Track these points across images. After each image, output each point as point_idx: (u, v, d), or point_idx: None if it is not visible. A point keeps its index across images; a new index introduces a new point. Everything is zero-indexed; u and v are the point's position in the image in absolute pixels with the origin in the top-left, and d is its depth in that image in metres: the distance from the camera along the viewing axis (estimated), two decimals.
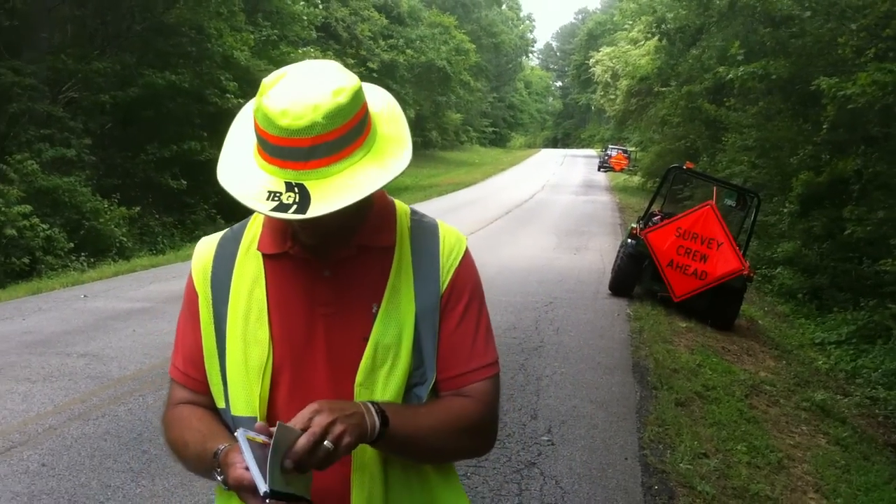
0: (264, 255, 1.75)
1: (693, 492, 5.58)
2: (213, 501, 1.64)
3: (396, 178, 1.57)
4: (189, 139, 21.80)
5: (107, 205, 18.01)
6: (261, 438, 1.45)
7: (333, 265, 1.71)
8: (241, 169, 1.58)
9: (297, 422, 1.47)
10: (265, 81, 1.55)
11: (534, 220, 24.64)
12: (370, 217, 1.73)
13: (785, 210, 17.85)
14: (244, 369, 1.69)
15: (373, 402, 1.59)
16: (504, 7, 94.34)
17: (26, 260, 15.06)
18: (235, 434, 1.47)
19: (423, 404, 1.72)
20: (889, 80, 11.84)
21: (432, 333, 1.72)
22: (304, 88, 1.51)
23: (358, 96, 1.54)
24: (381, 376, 1.67)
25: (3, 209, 15.04)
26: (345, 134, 1.51)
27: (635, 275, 12.67)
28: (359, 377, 1.66)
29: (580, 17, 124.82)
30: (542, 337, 9.62)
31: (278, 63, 25.66)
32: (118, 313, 9.65)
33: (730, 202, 13.80)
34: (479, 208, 26.75)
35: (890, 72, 11.90)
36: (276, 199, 1.49)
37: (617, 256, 13.40)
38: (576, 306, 11.75)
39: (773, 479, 6.14)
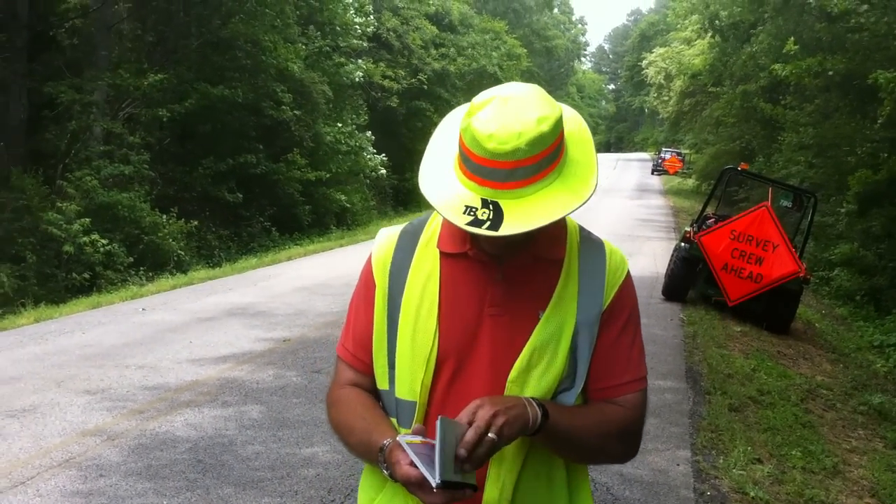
0: (442, 253, 1.88)
1: (746, 497, 5.55)
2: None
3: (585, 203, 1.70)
4: (245, 152, 22.13)
5: (165, 219, 18.34)
6: (418, 439, 1.64)
7: (507, 270, 1.83)
8: (442, 180, 1.73)
9: (462, 417, 1.62)
10: (475, 102, 1.70)
11: (587, 225, 24.36)
12: (546, 229, 1.76)
13: (842, 210, 17.55)
14: (411, 357, 1.84)
15: (533, 398, 1.73)
16: (556, 11, 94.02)
17: (87, 275, 15.43)
18: (397, 440, 1.66)
19: (578, 406, 1.85)
20: None
21: (589, 344, 1.83)
22: (512, 114, 1.64)
23: (558, 125, 1.67)
24: (534, 377, 1.79)
25: (63, 226, 15.41)
26: (542, 160, 1.65)
27: (689, 279, 12.57)
28: (512, 374, 1.79)
29: (632, 18, 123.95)
30: None
31: (332, 75, 25.98)
32: (176, 326, 9.84)
33: (786, 203, 13.62)
34: None
35: None
36: (472, 213, 1.64)
37: (670, 260, 13.31)
38: None
39: (828, 484, 6.06)
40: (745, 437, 6.72)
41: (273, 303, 11.45)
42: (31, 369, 7.73)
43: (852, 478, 6.42)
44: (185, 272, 16.49)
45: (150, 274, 16.39)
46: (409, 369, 1.84)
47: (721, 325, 11.31)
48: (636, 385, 1.89)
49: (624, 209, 31.26)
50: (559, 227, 1.89)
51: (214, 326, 9.78)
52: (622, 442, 1.89)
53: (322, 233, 24.28)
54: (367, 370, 1.93)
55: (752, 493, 5.57)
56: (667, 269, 13.38)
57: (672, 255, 13.30)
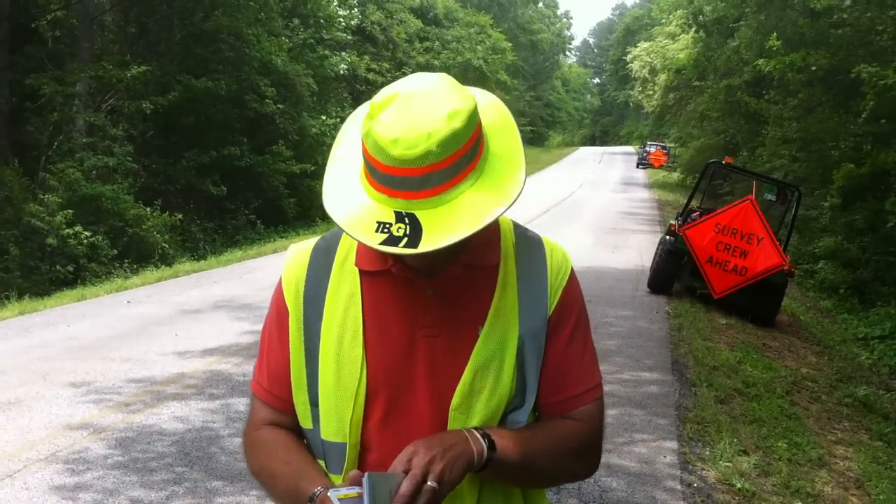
0: (362, 271, 1.64)
1: (732, 489, 5.56)
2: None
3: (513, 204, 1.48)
4: (229, 145, 22.07)
5: (149, 211, 18.28)
6: (355, 492, 1.42)
7: (437, 284, 1.60)
8: (348, 194, 1.50)
9: (396, 466, 1.43)
10: (374, 103, 1.46)
11: (571, 219, 24.56)
12: (476, 235, 1.54)
13: (826, 204, 17.65)
14: (335, 392, 1.60)
15: (476, 428, 1.54)
16: (541, 5, 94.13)
17: (71, 268, 15.39)
18: (328, 494, 1.45)
19: (528, 427, 1.64)
20: None
21: (536, 356, 1.63)
22: (417, 113, 1.41)
23: (473, 118, 1.45)
24: (480, 401, 1.58)
25: (45, 218, 15.33)
26: (459, 160, 1.43)
27: (674, 272, 12.59)
28: (455, 401, 1.58)
29: (617, 12, 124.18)
30: None
31: (316, 67, 25.96)
32: (161, 318, 9.80)
33: (770, 196, 13.70)
34: (516, 208, 26.16)
35: None
36: (386, 230, 1.41)
37: (655, 254, 13.33)
38: (614, 304, 11.71)
39: (813, 476, 6.09)
40: (730, 429, 6.75)
41: (259, 295, 11.40)
42: (16, 362, 7.68)
43: (838, 469, 6.46)
44: (169, 265, 16.42)
45: (135, 266, 16.33)
46: (335, 407, 1.60)
47: (706, 318, 11.35)
48: (592, 395, 1.69)
49: (609, 202, 31.31)
50: (492, 227, 1.57)
51: (200, 319, 9.74)
52: (582, 459, 1.71)
53: (307, 225, 24.25)
54: (286, 407, 1.69)
55: (738, 485, 5.59)
56: (652, 263, 13.41)
57: (657, 249, 13.32)
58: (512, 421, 1.62)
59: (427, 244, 1.39)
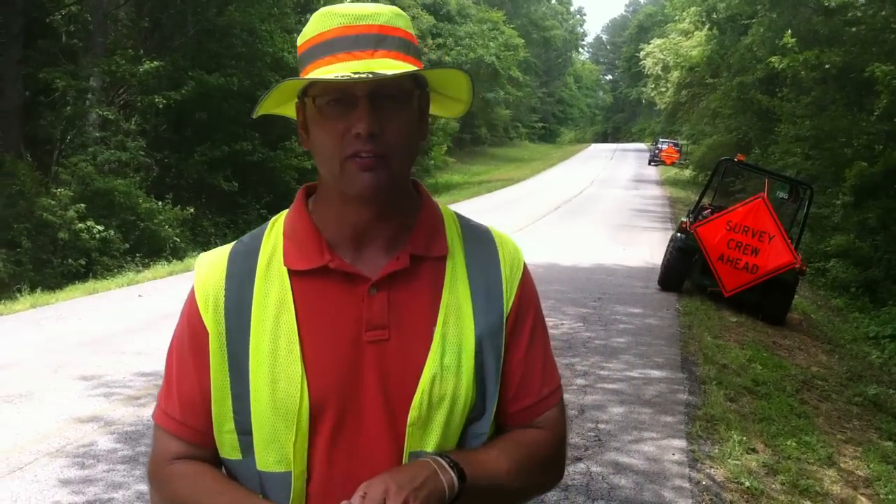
0: (292, 272, 1.45)
1: (741, 487, 5.55)
2: None
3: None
4: (241, 140, 22.10)
5: (161, 206, 18.34)
6: None
7: (381, 281, 1.43)
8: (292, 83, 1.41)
9: None
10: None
11: (583, 215, 24.55)
12: (421, 220, 1.50)
13: (838, 202, 17.60)
14: (273, 415, 1.40)
15: (442, 456, 1.39)
16: (553, 1, 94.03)
17: (82, 261, 15.44)
18: None
19: (491, 444, 1.49)
20: None
21: (495, 357, 1.47)
22: (359, 4, 1.40)
23: (411, 29, 1.45)
24: (440, 413, 1.42)
25: (57, 212, 15.39)
26: (408, 40, 1.41)
27: (685, 269, 12.57)
28: (412, 414, 1.41)
29: (631, 9, 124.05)
30: (589, 333, 9.60)
31: None
32: (172, 312, 9.69)
33: (782, 194, 13.63)
34: (528, 204, 26.71)
35: None
36: (345, 77, 1.31)
37: (667, 251, 13.30)
38: (624, 301, 11.70)
39: (822, 475, 6.07)
40: (740, 427, 6.73)
41: None
42: (28, 355, 7.73)
43: (847, 468, 6.44)
44: (181, 259, 16.45)
45: (146, 260, 16.36)
46: (272, 431, 1.40)
47: (717, 316, 11.33)
48: (554, 398, 1.56)
49: (621, 199, 31.25)
50: (436, 216, 1.53)
51: None
52: (549, 470, 1.57)
53: None
54: (201, 440, 1.47)
55: (746, 483, 5.58)
56: (663, 260, 13.38)
57: (668, 246, 13.29)
58: (473, 433, 1.48)
59: (394, 72, 1.32)
